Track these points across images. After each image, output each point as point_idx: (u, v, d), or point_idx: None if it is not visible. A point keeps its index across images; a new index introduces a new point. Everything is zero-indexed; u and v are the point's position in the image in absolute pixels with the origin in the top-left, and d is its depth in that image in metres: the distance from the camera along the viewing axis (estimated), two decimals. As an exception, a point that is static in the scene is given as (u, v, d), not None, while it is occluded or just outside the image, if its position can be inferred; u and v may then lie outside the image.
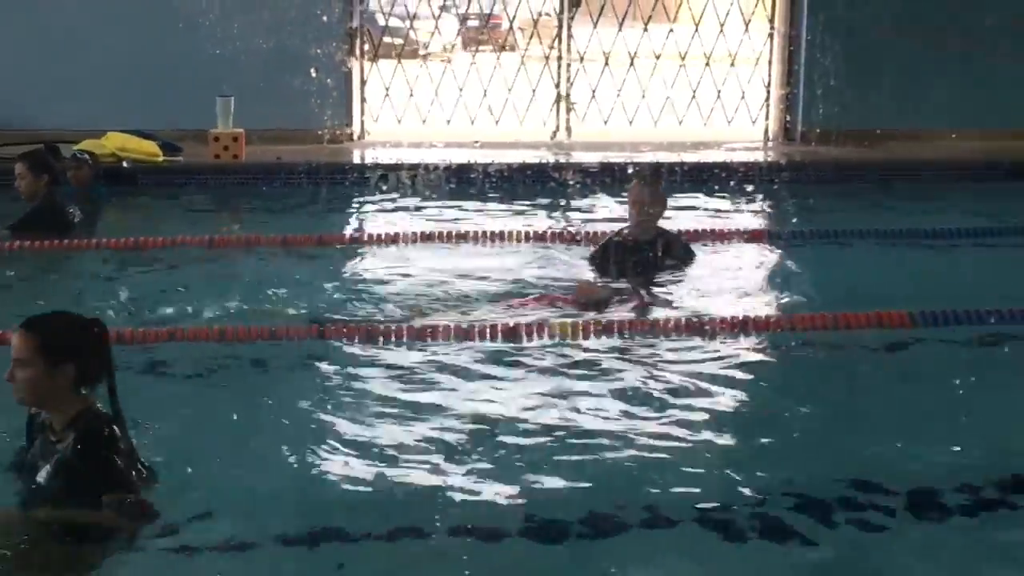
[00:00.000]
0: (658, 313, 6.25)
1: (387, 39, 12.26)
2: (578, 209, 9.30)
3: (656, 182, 7.01)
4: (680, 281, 6.81)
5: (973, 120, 11.36)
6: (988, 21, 11.14)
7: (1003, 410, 5.04)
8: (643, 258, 6.72)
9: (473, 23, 14.15)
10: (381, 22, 12.81)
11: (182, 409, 4.89)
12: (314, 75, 10.69)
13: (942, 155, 10.95)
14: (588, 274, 6.88)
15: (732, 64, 12.07)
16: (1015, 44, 11.21)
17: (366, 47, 11.67)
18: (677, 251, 6.91)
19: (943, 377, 5.45)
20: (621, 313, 6.23)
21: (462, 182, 9.78)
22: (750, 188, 9.92)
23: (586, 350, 5.74)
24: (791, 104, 11.75)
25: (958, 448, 4.65)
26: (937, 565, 3.84)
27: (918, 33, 11.29)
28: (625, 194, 7.10)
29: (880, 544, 3.94)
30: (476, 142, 10.83)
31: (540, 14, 12.36)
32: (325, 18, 10.99)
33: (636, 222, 6.75)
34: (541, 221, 8.85)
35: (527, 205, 9.28)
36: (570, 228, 8.48)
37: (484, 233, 7.99)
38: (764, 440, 4.79)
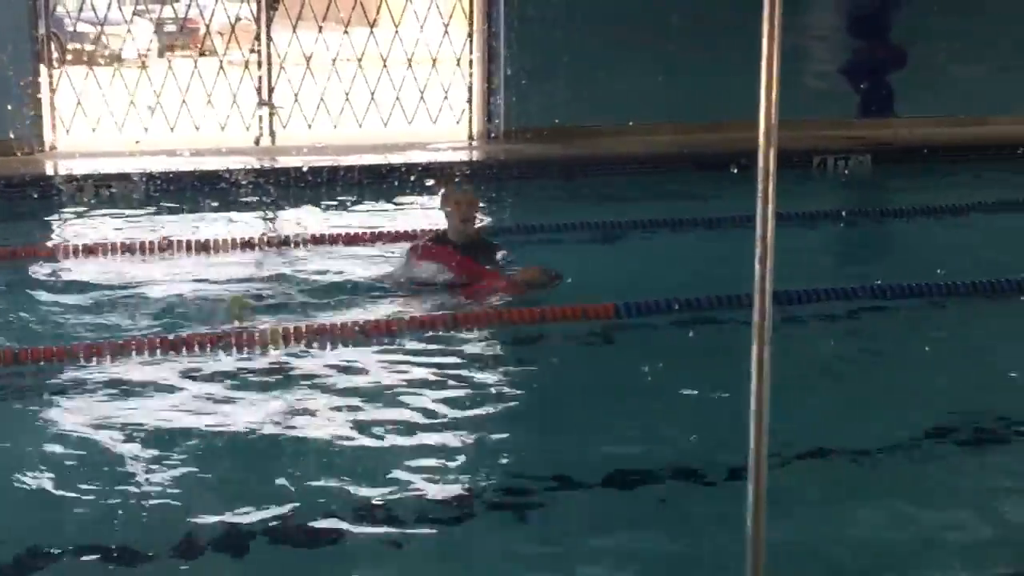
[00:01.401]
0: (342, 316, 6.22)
1: (76, 45, 11.74)
2: (288, 215, 9.17)
3: (467, 183, 6.99)
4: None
5: (668, 114, 11.85)
6: (684, 18, 11.62)
7: (701, 396, 5.25)
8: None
9: (169, 28, 13.75)
10: (70, 27, 12.27)
11: None
12: (-2, 84, 10.13)
13: (639, 149, 11.37)
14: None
15: (434, 65, 12.17)
16: (706, 40, 11.73)
17: (55, 54, 11.14)
18: (492, 253, 6.96)
19: (646, 364, 5.63)
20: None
21: (160, 191, 9.46)
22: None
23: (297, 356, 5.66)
24: (493, 103, 11.95)
25: (658, 437, 4.82)
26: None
27: (613, 30, 11.68)
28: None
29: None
30: (162, 147, 10.50)
31: (238, 18, 12.10)
32: (9, 23, 10.42)
33: (459, 223, 6.76)
34: (249, 228, 8.66)
35: (232, 212, 9.07)
36: (282, 233, 8.35)
37: (189, 243, 7.76)
38: (476, 436, 4.84)
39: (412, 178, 9.91)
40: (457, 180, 7.02)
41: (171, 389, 5.24)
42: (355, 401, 5.12)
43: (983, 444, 4.84)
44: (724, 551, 3.40)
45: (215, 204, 9.17)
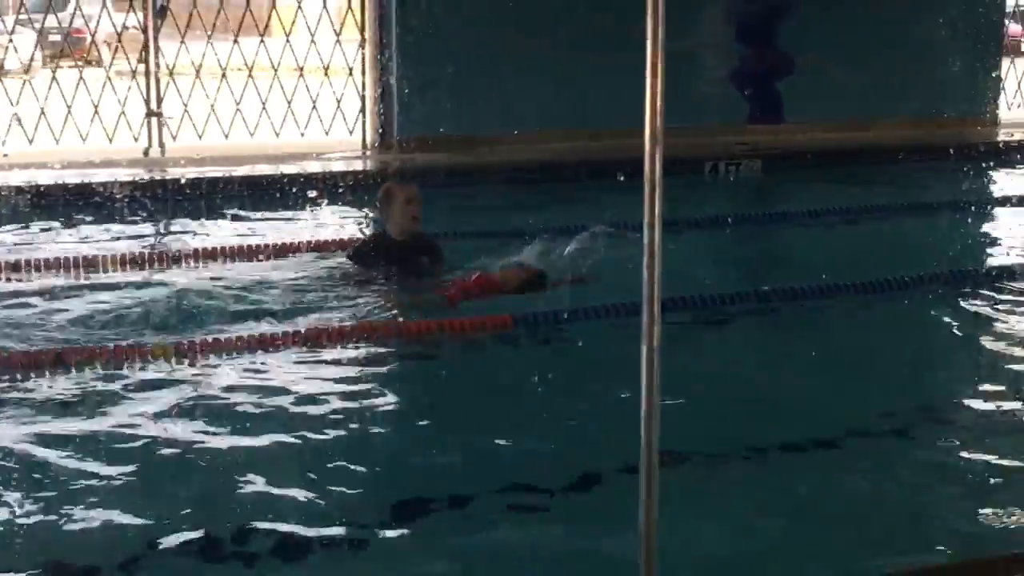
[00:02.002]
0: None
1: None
2: (179, 227, 9.03)
3: (410, 179, 7.00)
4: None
5: (560, 121, 11.91)
6: (571, 28, 11.70)
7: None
8: (409, 256, 6.81)
9: (54, 38, 13.46)
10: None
11: None
12: None
13: (535, 157, 11.41)
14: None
15: (326, 74, 12.09)
16: (595, 48, 11.83)
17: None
18: (435, 251, 7.01)
19: (540, 374, 5.63)
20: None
21: (41, 205, 9.25)
22: (350, 197, 9.96)
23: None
24: (386, 112, 11.90)
25: (553, 443, 4.83)
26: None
27: (504, 39, 11.72)
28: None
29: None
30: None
31: (125, 27, 11.89)
32: None
33: (410, 222, 6.78)
34: (138, 241, 8.50)
35: (120, 226, 8.90)
36: (173, 246, 8.21)
37: (75, 260, 7.57)
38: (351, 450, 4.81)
39: (305, 188, 9.84)
40: (401, 176, 7.02)
41: (51, 407, 5.12)
42: (246, 415, 5.05)
43: (874, 440, 4.92)
44: (620, 554, 3.43)
45: (102, 217, 9.00)
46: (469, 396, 5.48)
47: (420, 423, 5.22)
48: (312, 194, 9.85)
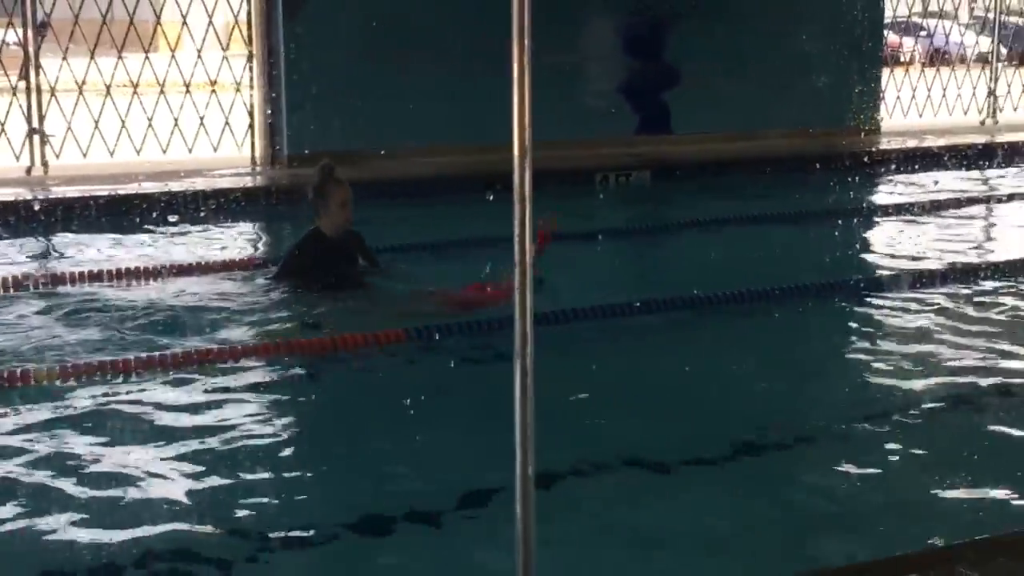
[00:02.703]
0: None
1: None
2: (61, 247, 8.84)
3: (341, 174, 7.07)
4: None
5: (451, 135, 11.90)
6: (460, 41, 11.71)
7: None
8: (345, 256, 6.94)
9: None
10: None
11: None
12: None
13: (422, 172, 11.38)
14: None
15: (213, 90, 11.94)
16: (485, 62, 11.84)
17: None
18: (368, 249, 7.19)
19: (433, 388, 5.65)
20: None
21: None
22: (239, 215, 9.85)
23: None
24: (276, 128, 11.79)
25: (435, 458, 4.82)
26: None
27: (395, 53, 11.69)
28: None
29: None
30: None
31: (5, 43, 11.63)
32: None
33: (344, 220, 6.88)
34: (20, 264, 8.30)
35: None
36: (57, 268, 8.04)
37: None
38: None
39: (193, 206, 9.70)
40: (335, 174, 6.99)
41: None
42: (127, 437, 4.96)
43: (758, 449, 4.98)
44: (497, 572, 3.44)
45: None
46: (356, 413, 5.45)
47: (307, 442, 5.17)
48: (201, 212, 9.72)
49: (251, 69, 11.91)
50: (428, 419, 5.17)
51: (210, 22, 11.98)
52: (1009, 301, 7.32)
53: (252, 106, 11.87)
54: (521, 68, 2.25)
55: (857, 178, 11.99)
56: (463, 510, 4.31)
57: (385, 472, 4.69)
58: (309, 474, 4.76)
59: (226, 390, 5.59)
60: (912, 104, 15.33)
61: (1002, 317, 6.93)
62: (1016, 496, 4.42)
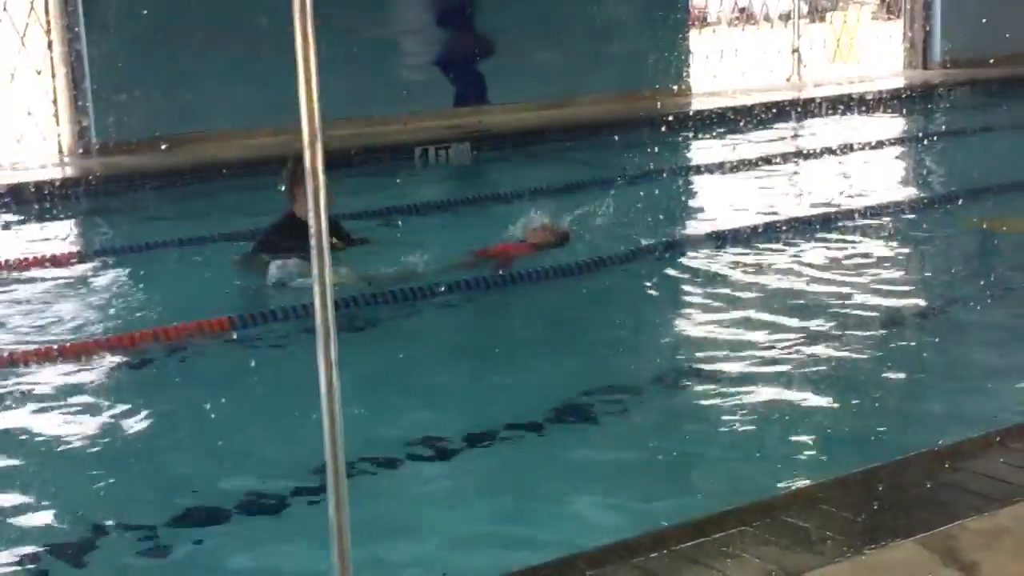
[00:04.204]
0: None
1: None
2: None
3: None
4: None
5: (267, 118, 11.67)
6: (269, 22, 11.48)
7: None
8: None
9: None
10: None
11: None
12: None
13: (241, 154, 11.16)
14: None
15: (12, 80, 11.47)
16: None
17: None
18: (339, 228, 7.14)
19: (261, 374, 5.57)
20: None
21: None
22: (49, 208, 9.51)
23: None
24: (82, 116, 11.39)
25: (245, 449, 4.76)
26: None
27: (204, 36, 11.42)
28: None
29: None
30: None
31: None
32: None
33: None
34: None
35: None
36: None
37: None
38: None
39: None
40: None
41: None
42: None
43: (573, 423, 4.96)
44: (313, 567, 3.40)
45: None
46: (176, 407, 5.32)
47: (124, 438, 5.01)
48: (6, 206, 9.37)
49: (51, 56, 11.47)
50: (234, 412, 5.09)
51: (3, 8, 11.49)
52: (823, 251, 7.55)
53: (55, 96, 11.44)
54: (306, 49, 2.19)
55: (671, 139, 12.22)
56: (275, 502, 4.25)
57: (190, 470, 4.59)
58: (109, 475, 4.61)
59: (35, 390, 5.40)
60: (721, 63, 15.66)
61: (820, 265, 7.15)
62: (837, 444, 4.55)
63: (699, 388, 5.32)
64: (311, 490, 4.17)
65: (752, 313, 6.23)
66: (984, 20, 15.28)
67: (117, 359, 5.84)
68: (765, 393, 5.16)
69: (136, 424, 5.15)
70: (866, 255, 7.42)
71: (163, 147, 11.11)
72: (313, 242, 2.26)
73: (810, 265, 7.23)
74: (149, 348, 5.93)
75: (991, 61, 15.32)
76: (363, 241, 7.62)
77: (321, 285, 2.24)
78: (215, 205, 9.67)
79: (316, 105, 2.23)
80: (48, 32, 11.49)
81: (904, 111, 14.34)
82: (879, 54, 17.17)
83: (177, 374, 5.78)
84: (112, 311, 6.70)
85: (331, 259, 2.16)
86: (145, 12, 11.05)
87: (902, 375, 5.39)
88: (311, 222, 2.27)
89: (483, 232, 8.84)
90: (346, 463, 2.31)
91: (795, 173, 10.92)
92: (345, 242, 7.29)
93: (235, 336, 6.08)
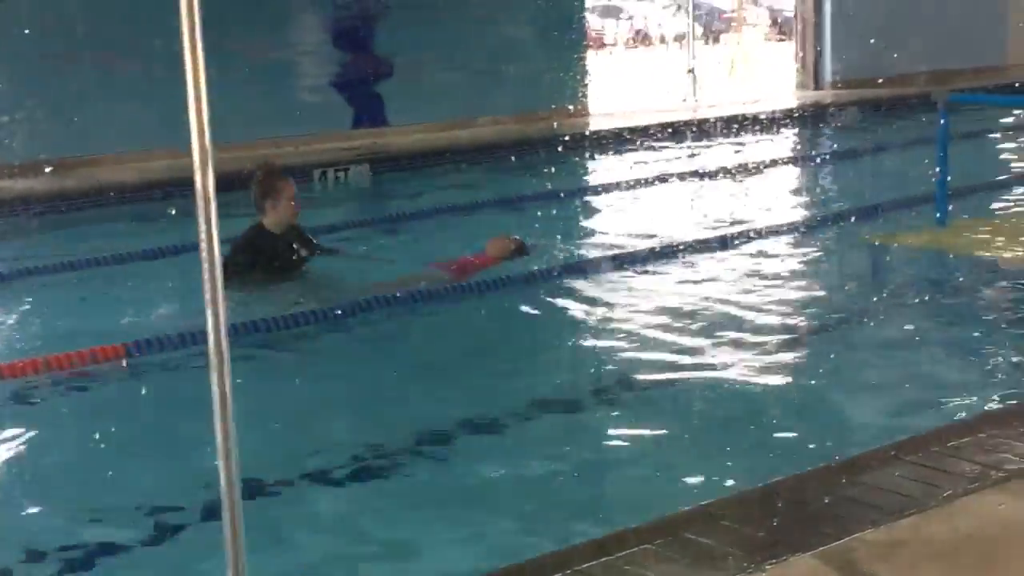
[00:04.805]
0: None
1: None
2: None
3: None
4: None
5: (161, 140, 11.51)
6: (162, 43, 11.31)
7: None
8: (290, 248, 6.98)
9: None
10: None
11: None
12: None
13: (135, 177, 10.98)
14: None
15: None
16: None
17: None
18: (308, 239, 7.19)
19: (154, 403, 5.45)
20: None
21: None
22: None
23: None
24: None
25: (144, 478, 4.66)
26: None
27: (98, 57, 11.24)
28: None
29: None
30: None
31: None
32: None
33: (292, 214, 6.93)
34: None
35: None
36: None
37: None
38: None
39: None
40: (278, 169, 7.06)
41: None
42: None
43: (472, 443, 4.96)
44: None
45: None
46: (66, 436, 5.18)
47: (12, 469, 4.87)
48: None
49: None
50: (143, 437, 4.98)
51: None
52: (720, 269, 7.64)
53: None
54: (196, 69, 2.15)
55: (569, 159, 12.30)
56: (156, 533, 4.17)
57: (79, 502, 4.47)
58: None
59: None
60: (618, 84, 15.82)
61: (717, 283, 7.23)
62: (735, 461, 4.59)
63: (597, 408, 5.34)
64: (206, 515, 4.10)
65: (649, 332, 6.26)
66: (872, 41, 15.65)
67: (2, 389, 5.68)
68: (663, 412, 5.20)
69: (27, 454, 5.02)
70: (762, 273, 7.52)
71: (47, 170, 10.89)
72: (205, 267, 2.21)
73: (707, 283, 7.30)
74: (37, 377, 5.77)
75: (879, 81, 15.69)
76: (331, 251, 7.58)
77: (214, 312, 2.19)
78: (105, 230, 9.49)
79: (207, 128, 2.19)
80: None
81: (797, 130, 14.62)
82: (772, 75, 17.47)
83: (66, 404, 5.63)
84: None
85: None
86: (27, 32, 10.84)
87: (799, 390, 5.46)
88: (202, 250, 2.21)
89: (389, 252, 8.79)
90: (242, 490, 2.26)
91: (691, 192, 11.05)
92: (311, 251, 7.23)
93: (127, 364, 5.95)
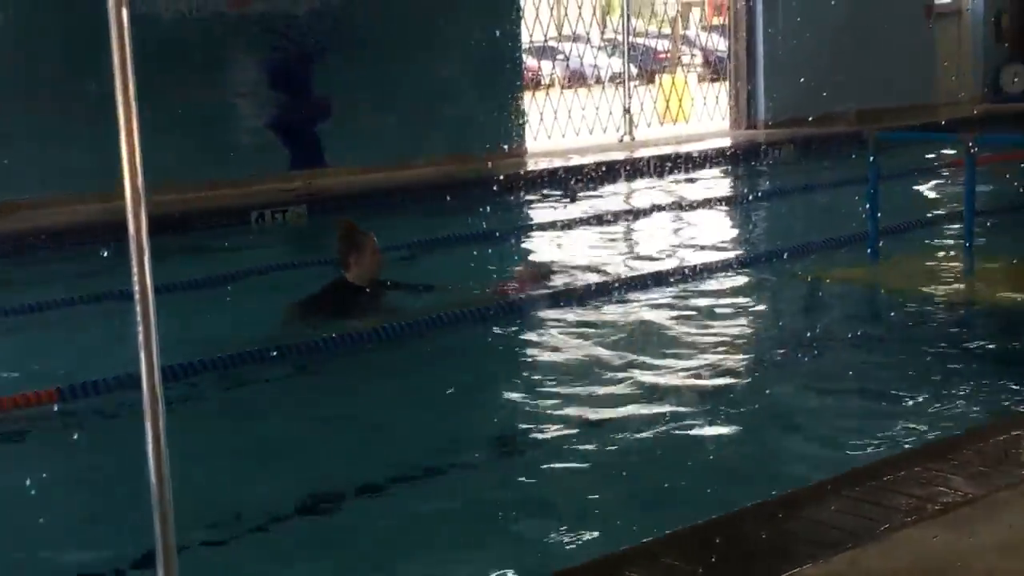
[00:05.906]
0: None
1: None
2: None
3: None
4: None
5: (93, 184, 11.39)
6: (97, 85, 11.23)
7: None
8: (372, 300, 7.14)
9: None
10: None
11: None
12: None
13: (63, 221, 10.85)
14: None
15: None
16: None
17: None
18: (398, 282, 7.48)
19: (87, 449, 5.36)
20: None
21: None
22: None
23: None
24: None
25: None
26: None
27: (26, 102, 11.16)
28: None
29: None
30: None
31: None
32: None
33: (377, 269, 7.12)
34: None
35: None
36: None
37: None
38: None
39: None
40: (361, 228, 7.19)
41: None
42: None
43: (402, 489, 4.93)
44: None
45: None
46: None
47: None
48: None
49: None
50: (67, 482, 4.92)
51: None
52: (655, 308, 7.67)
53: None
54: (128, 110, 2.14)
55: (505, 199, 12.34)
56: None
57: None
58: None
59: None
60: (555, 125, 15.92)
61: (653, 321, 7.26)
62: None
63: (534, 449, 5.33)
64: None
65: (584, 370, 6.28)
66: (803, 80, 15.89)
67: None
68: (600, 451, 5.20)
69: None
70: (697, 309, 7.56)
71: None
72: (138, 310, 2.19)
73: (642, 321, 7.34)
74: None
75: (811, 119, 15.92)
76: (428, 288, 7.75)
77: (148, 355, 2.18)
78: (35, 274, 9.38)
79: (139, 170, 2.17)
80: None
81: (730, 169, 14.78)
82: (706, 114, 17.67)
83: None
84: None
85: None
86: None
87: (735, 427, 5.49)
88: (135, 293, 2.19)
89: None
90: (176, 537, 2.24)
91: (627, 230, 11.12)
92: (410, 290, 7.57)
93: (59, 408, 5.86)
